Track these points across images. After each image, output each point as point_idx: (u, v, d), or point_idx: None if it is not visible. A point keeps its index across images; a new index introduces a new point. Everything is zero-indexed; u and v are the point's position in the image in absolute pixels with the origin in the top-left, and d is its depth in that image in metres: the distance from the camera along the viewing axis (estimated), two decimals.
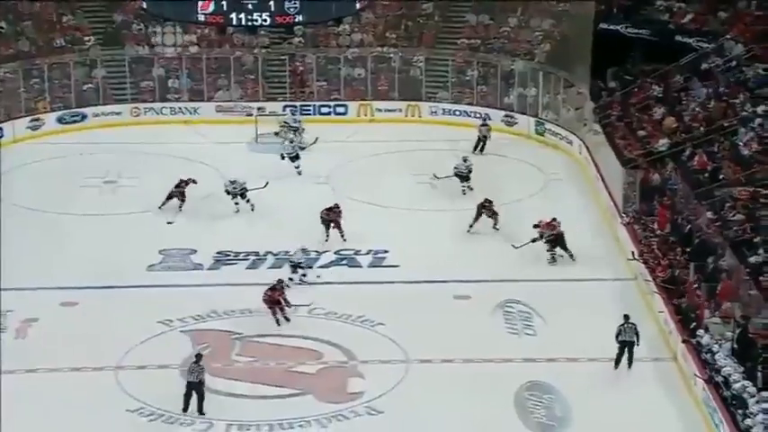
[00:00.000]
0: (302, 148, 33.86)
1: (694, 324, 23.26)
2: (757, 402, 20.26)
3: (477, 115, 36.78)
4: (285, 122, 35.28)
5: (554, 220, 27.55)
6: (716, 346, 22.14)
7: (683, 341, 22.93)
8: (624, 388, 22.05)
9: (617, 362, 22.75)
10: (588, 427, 21.18)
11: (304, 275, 26.53)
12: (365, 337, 24.25)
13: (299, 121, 35.38)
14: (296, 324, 24.76)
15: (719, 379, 21.30)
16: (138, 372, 23.05)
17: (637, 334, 22.73)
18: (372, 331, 24.52)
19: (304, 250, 26.96)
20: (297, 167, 32.07)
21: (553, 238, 27.37)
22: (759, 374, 20.95)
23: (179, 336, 24.39)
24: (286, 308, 24.61)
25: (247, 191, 29.93)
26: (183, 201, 29.95)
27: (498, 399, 21.89)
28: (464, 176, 31.05)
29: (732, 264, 24.34)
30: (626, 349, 22.70)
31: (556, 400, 22.09)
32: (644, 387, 22.15)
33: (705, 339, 22.48)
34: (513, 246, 27.46)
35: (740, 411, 20.28)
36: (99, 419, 21.40)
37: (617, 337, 22.75)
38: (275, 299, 24.62)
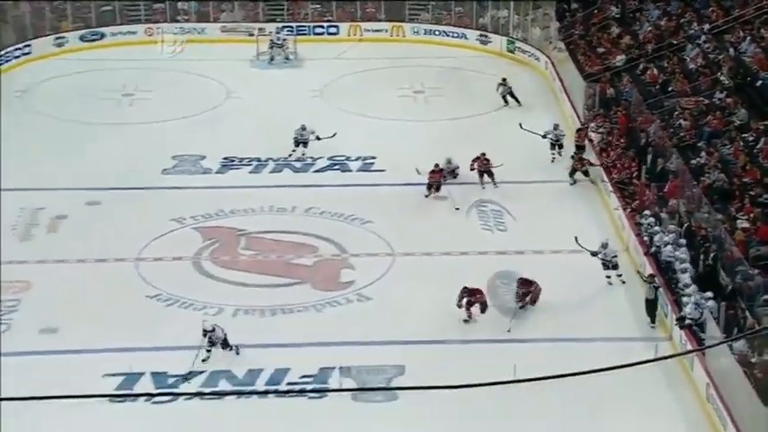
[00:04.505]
0: (286, 59, 34.55)
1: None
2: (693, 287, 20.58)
3: (455, 35, 36.42)
4: (271, 39, 35.17)
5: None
6: (661, 234, 22.31)
7: (637, 235, 23.05)
8: (583, 276, 22.04)
9: (648, 314, 20.93)
10: (551, 309, 21.36)
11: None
12: (356, 233, 24.31)
13: (284, 39, 35.15)
14: (294, 222, 24.79)
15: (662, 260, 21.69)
16: (156, 263, 23.14)
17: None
18: (362, 228, 24.57)
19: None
20: (302, 153, 27.99)
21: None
22: (701, 262, 21.21)
23: (190, 232, 24.41)
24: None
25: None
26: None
27: (473, 286, 21.96)
28: (556, 144, 27.64)
29: (679, 165, 24.42)
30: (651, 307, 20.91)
31: None
32: (600, 275, 22.17)
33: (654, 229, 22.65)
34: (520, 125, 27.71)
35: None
36: (122, 304, 21.55)
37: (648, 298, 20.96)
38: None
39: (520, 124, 27.70)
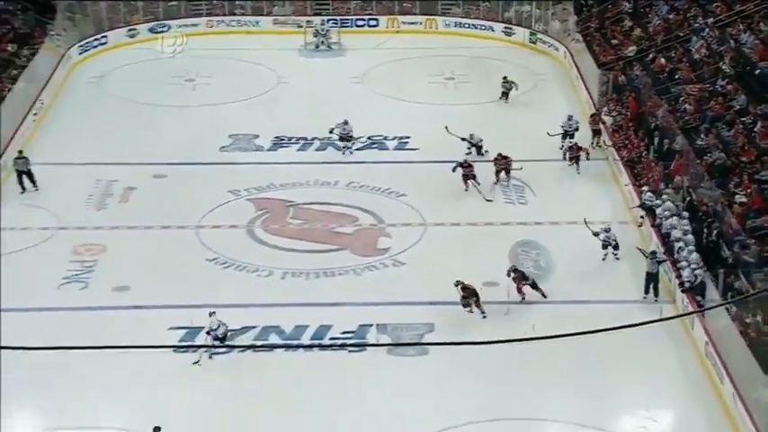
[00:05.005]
0: (328, 48, 34.37)
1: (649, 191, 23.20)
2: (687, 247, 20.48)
3: (483, 27, 36.09)
4: (316, 29, 35.11)
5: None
6: (662, 209, 22.09)
7: (641, 205, 22.88)
8: (596, 245, 21.82)
9: (646, 289, 20.49)
10: (566, 275, 21.26)
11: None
12: (392, 205, 24.26)
13: (327, 30, 35.08)
14: (337, 194, 24.78)
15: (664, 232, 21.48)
16: (214, 230, 23.23)
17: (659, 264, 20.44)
18: (397, 201, 24.51)
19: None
20: (348, 148, 26.91)
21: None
22: (704, 237, 20.96)
23: (245, 203, 24.46)
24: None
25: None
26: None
27: (495, 253, 21.95)
28: (570, 134, 26.51)
29: (683, 145, 24.15)
30: (651, 281, 20.42)
31: (542, 254, 22.15)
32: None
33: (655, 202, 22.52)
34: (548, 133, 26.34)
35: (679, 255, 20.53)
36: (184, 266, 21.75)
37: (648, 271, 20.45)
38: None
39: (548, 132, 26.40)
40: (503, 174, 25.00)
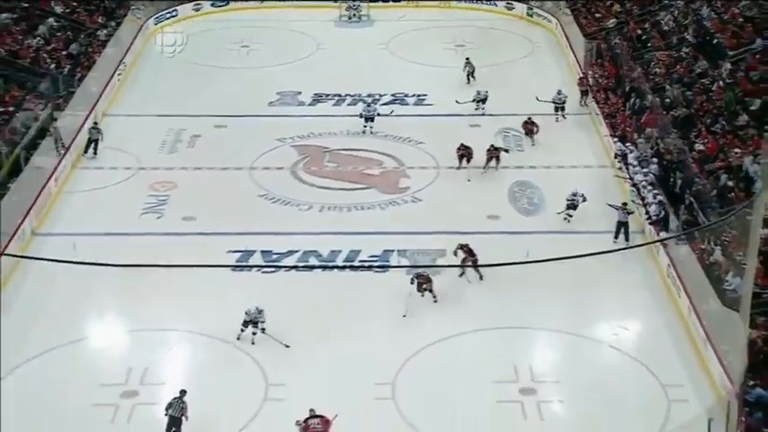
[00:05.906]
0: (359, 19, 33.64)
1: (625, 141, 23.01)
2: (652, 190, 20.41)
3: (488, 2, 35.35)
4: (348, 3, 34.38)
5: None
6: (635, 161, 21.88)
7: (615, 156, 22.70)
8: (580, 185, 21.28)
9: (616, 235, 19.63)
10: (555, 210, 21.16)
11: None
12: (411, 151, 24.13)
13: (358, 4, 34.41)
14: (365, 141, 24.68)
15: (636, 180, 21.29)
16: (264, 171, 23.24)
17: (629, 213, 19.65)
18: (416, 147, 24.38)
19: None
20: (370, 127, 24.85)
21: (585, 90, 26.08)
22: (670, 177, 20.85)
23: (289, 148, 24.41)
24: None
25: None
26: None
27: (497, 191, 21.97)
28: (559, 107, 25.33)
29: (653, 102, 23.84)
30: (622, 228, 19.67)
31: (535, 192, 22.06)
32: (591, 188, 21.47)
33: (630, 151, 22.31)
34: (537, 98, 25.27)
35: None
36: (240, 200, 21.82)
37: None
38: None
39: (537, 97, 25.41)
40: (493, 161, 22.57)
